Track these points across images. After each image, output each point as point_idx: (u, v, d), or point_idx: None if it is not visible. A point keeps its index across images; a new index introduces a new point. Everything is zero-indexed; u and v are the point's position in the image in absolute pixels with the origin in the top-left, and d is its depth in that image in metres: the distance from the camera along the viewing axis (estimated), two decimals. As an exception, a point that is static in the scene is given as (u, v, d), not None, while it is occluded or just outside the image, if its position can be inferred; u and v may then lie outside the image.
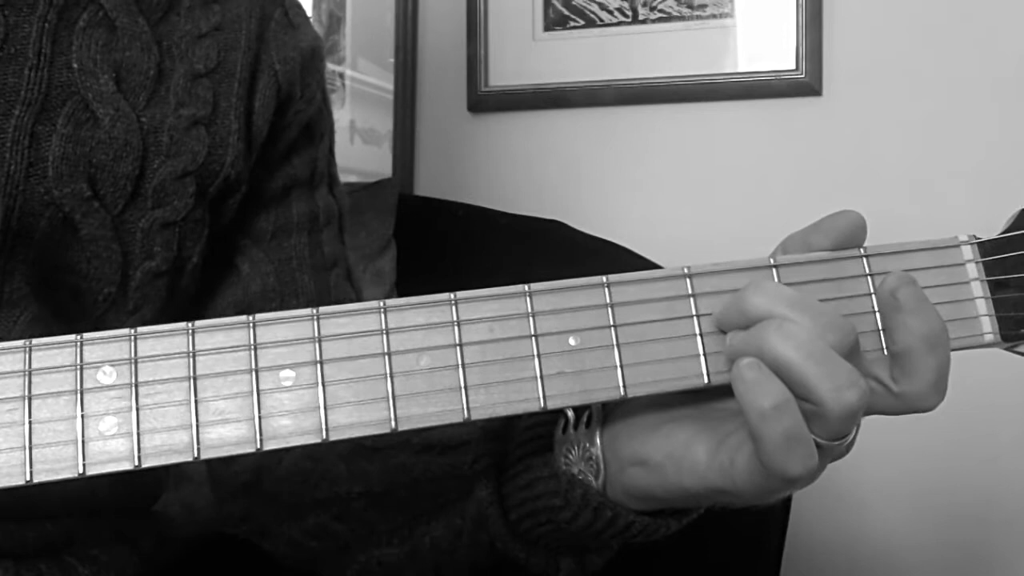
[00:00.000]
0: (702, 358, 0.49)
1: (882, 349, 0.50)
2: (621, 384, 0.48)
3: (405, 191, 1.71)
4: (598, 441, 0.54)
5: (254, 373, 0.44)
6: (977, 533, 1.52)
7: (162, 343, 0.44)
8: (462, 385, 0.46)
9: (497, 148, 1.75)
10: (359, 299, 0.75)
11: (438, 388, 0.46)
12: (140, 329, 0.44)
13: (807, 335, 0.45)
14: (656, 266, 0.89)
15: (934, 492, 1.53)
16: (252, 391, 0.44)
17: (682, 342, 0.49)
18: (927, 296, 0.49)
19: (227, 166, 0.66)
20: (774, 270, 0.50)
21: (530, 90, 1.70)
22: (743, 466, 0.47)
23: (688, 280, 0.49)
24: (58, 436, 0.42)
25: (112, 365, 0.43)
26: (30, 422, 0.42)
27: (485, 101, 1.73)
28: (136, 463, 0.43)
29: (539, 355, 0.47)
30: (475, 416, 0.46)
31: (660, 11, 1.64)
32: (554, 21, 1.70)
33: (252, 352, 0.45)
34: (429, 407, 0.46)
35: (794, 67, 1.57)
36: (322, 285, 0.73)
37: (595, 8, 1.67)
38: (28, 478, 0.42)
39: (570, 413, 0.56)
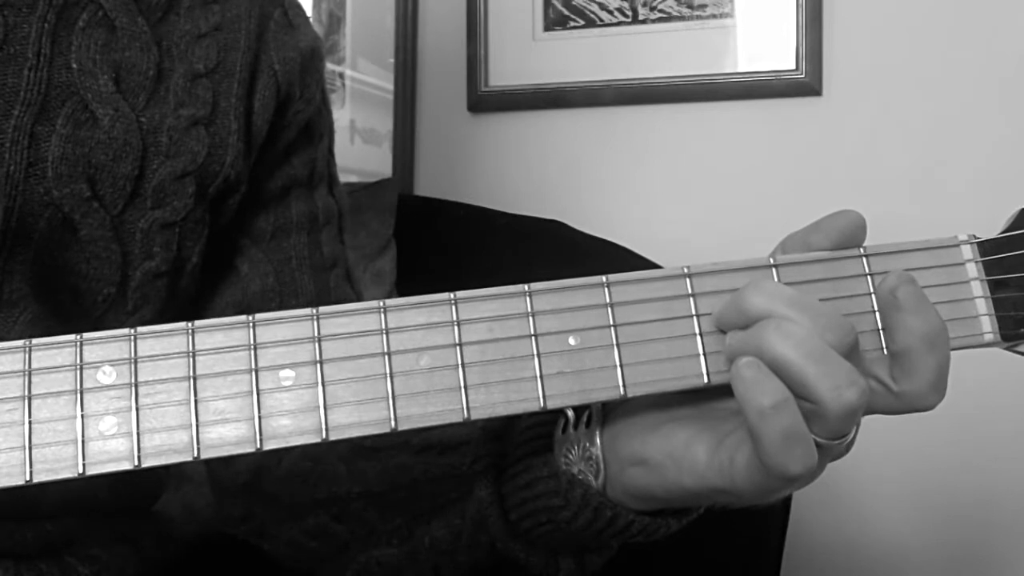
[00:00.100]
0: (702, 358, 0.49)
1: (882, 348, 0.50)
2: (621, 384, 0.48)
3: (405, 191, 1.71)
4: (598, 441, 0.54)
5: (254, 373, 0.44)
6: (977, 533, 1.52)
7: (162, 343, 0.44)
8: (462, 385, 0.46)
9: (497, 148, 1.75)
10: (359, 299, 0.75)
11: (438, 388, 0.46)
12: (140, 329, 0.44)
13: (806, 334, 0.45)
14: (656, 266, 0.89)
15: (934, 492, 1.53)
16: (252, 391, 0.44)
17: (682, 342, 0.49)
18: (927, 295, 0.49)
19: (227, 166, 0.66)
20: (774, 270, 0.50)
21: (530, 90, 1.70)
22: (743, 465, 0.47)
23: (688, 280, 0.49)
24: (58, 436, 0.42)
25: (112, 365, 0.43)
26: (30, 422, 0.42)
27: (485, 101, 1.73)
28: (136, 463, 0.43)
29: (539, 355, 0.47)
30: (475, 416, 0.46)
31: (660, 11, 1.64)
32: (554, 21, 1.70)
33: (252, 352, 0.45)
34: (429, 407, 0.46)
35: (794, 67, 1.57)
36: (321, 285, 0.73)
37: (595, 8, 1.67)
38: (28, 478, 0.42)
39: (570, 413, 0.56)
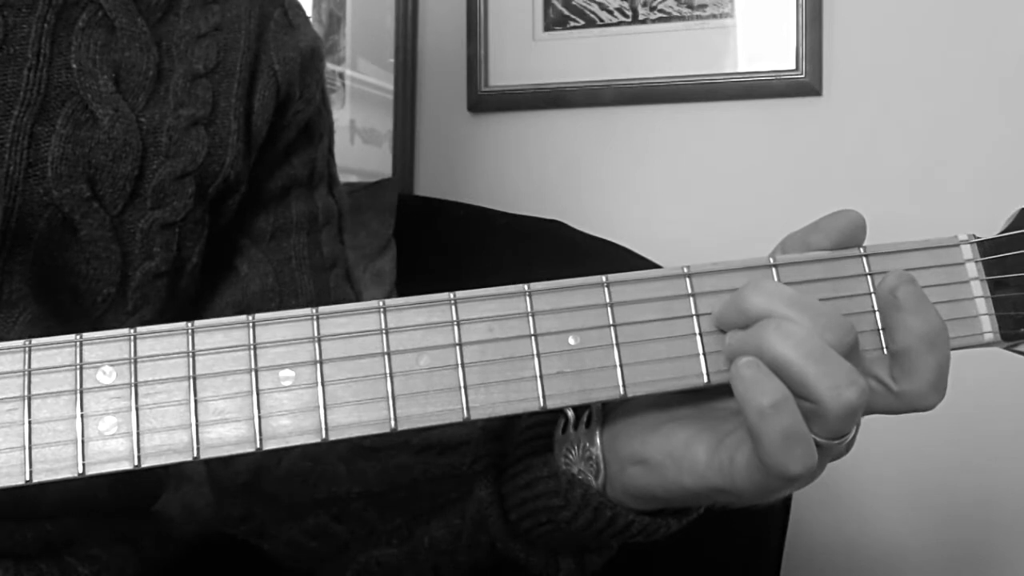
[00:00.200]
0: (702, 357, 0.49)
1: (882, 348, 0.50)
2: (621, 384, 0.48)
3: (405, 191, 1.71)
4: (598, 441, 0.54)
5: (253, 373, 0.44)
6: (977, 533, 1.52)
7: (161, 343, 0.44)
8: (461, 385, 0.46)
9: (497, 148, 1.75)
10: (359, 299, 0.75)
11: (438, 388, 0.46)
12: (140, 329, 0.44)
13: (806, 334, 0.45)
14: (656, 266, 0.89)
15: (934, 492, 1.53)
16: (252, 391, 0.44)
17: (682, 341, 0.49)
18: (927, 295, 0.49)
19: (226, 166, 0.66)
20: (773, 269, 0.50)
21: (530, 90, 1.70)
22: (743, 465, 0.47)
23: (687, 279, 0.49)
24: (58, 436, 0.42)
25: (112, 365, 0.43)
26: (29, 422, 0.42)
27: (485, 101, 1.73)
28: (136, 463, 0.43)
29: (539, 355, 0.47)
30: (475, 416, 0.46)
31: (660, 11, 1.64)
32: (554, 21, 1.70)
33: (252, 352, 0.45)
34: (428, 407, 0.46)
35: (794, 67, 1.57)
36: (321, 285, 0.73)
37: (595, 8, 1.67)
38: (28, 478, 0.42)
39: (570, 413, 0.56)
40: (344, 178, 0.81)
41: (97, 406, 0.43)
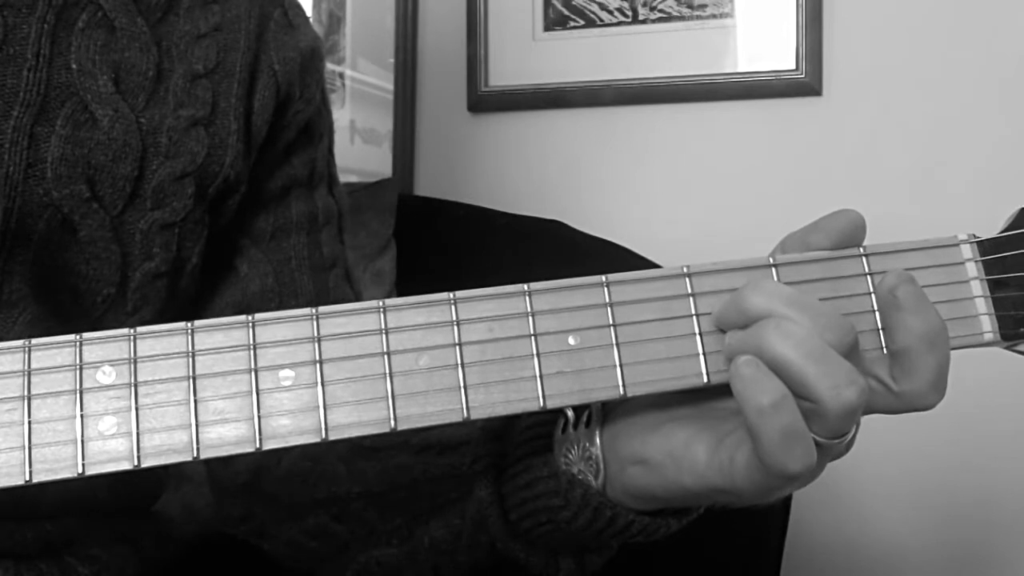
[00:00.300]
0: (701, 357, 0.49)
1: (881, 348, 0.50)
2: (620, 383, 0.48)
3: (405, 191, 1.71)
4: (598, 441, 0.54)
5: (253, 373, 0.44)
6: (977, 533, 1.52)
7: (161, 343, 0.44)
8: (461, 385, 0.46)
9: (497, 148, 1.75)
10: (358, 299, 0.75)
11: (437, 388, 0.46)
12: (139, 329, 0.44)
13: (806, 334, 0.45)
14: (656, 266, 0.89)
15: (934, 492, 1.53)
16: (251, 391, 0.44)
17: (681, 341, 0.49)
18: (926, 295, 0.49)
19: (226, 167, 0.66)
20: (773, 269, 0.50)
21: (530, 90, 1.70)
22: (742, 464, 0.47)
23: (687, 279, 0.49)
24: (57, 436, 0.42)
25: (111, 365, 0.43)
26: (29, 422, 0.42)
27: (485, 101, 1.73)
28: (135, 463, 0.43)
29: (538, 354, 0.47)
30: (474, 415, 0.46)
31: (660, 11, 1.64)
32: (554, 21, 1.70)
33: (251, 352, 0.45)
34: (428, 407, 0.46)
35: (794, 67, 1.57)
36: (321, 285, 0.73)
37: (595, 8, 1.67)
38: (27, 478, 0.42)
39: (570, 413, 0.56)
40: (344, 178, 0.81)
41: (97, 406, 0.43)
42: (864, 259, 0.51)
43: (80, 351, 0.43)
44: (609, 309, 0.48)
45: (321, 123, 0.76)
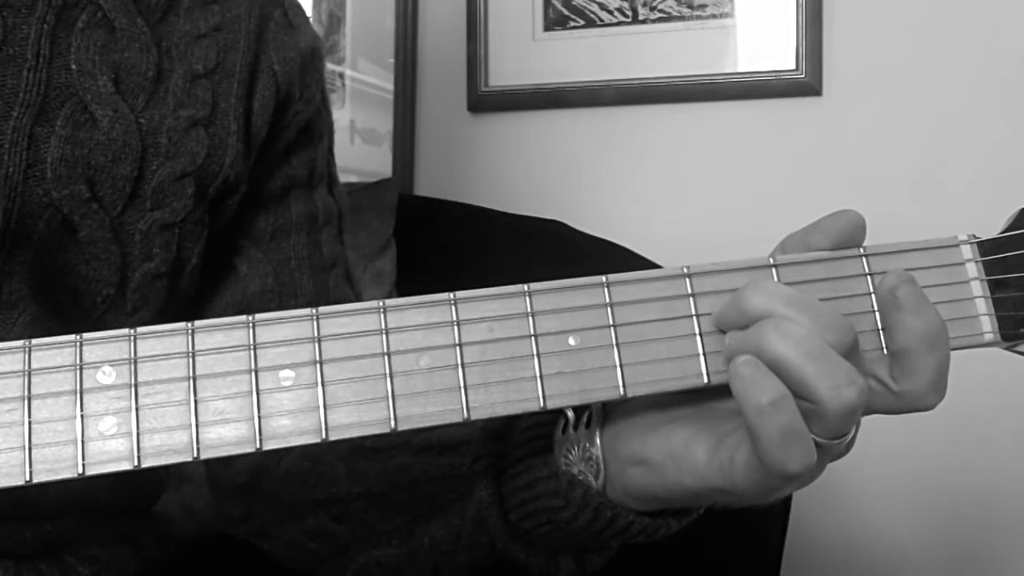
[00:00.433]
0: (702, 357, 0.49)
1: (882, 348, 0.50)
2: (621, 384, 0.48)
3: (405, 191, 1.71)
4: (598, 441, 0.54)
5: (254, 373, 0.44)
6: (977, 533, 1.52)
7: (162, 343, 0.44)
8: (462, 385, 0.46)
9: (497, 148, 1.75)
10: (358, 299, 0.75)
11: (438, 388, 0.46)
12: (140, 329, 0.44)
13: (806, 334, 0.45)
14: (656, 266, 0.89)
15: (934, 492, 1.53)
16: (252, 391, 0.44)
17: (682, 342, 0.49)
18: (926, 295, 0.49)
19: (226, 167, 0.66)
20: (773, 270, 0.50)
21: (530, 90, 1.70)
22: (742, 464, 0.47)
23: (687, 280, 0.49)
24: (58, 436, 0.42)
25: (112, 365, 0.43)
26: (29, 422, 0.42)
27: (485, 101, 1.73)
28: (136, 463, 0.43)
29: (539, 355, 0.47)
30: (475, 416, 0.46)
31: (660, 11, 1.64)
32: (554, 21, 1.70)
33: (252, 352, 0.45)
34: (429, 407, 0.46)
35: (794, 67, 1.57)
36: (321, 285, 0.73)
37: (595, 8, 1.67)
38: (28, 478, 0.42)
39: (570, 413, 0.56)
40: (344, 178, 0.81)
41: (97, 406, 0.43)
42: (864, 259, 0.51)
43: (80, 351, 0.43)
44: (609, 309, 0.48)
45: (321, 123, 0.76)
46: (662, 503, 0.54)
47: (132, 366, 0.44)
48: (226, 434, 0.44)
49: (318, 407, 0.45)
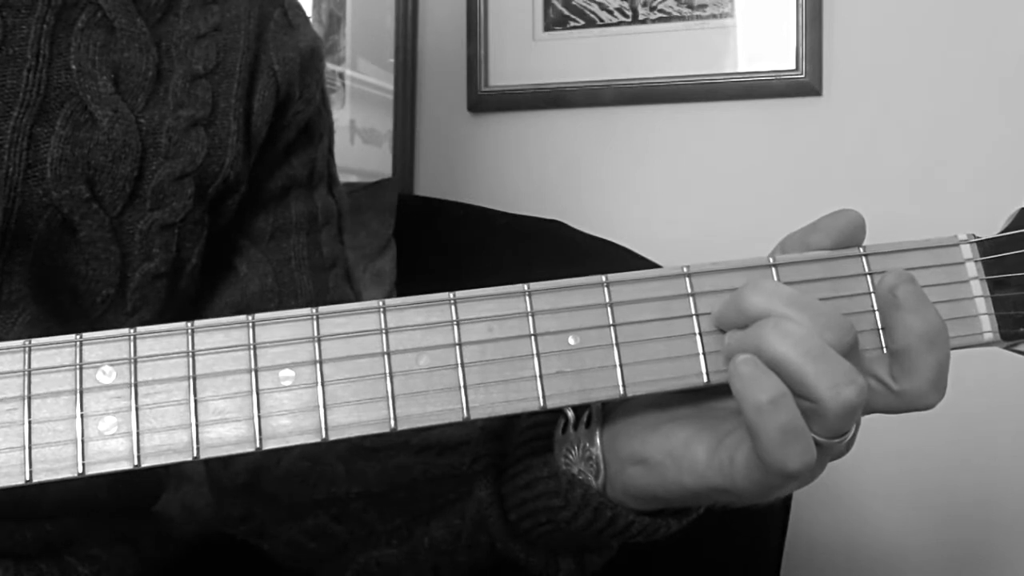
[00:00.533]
0: (701, 357, 0.49)
1: (881, 347, 0.50)
2: (620, 383, 0.48)
3: (405, 191, 1.71)
4: (598, 441, 0.54)
5: (253, 373, 0.44)
6: (977, 533, 1.52)
7: (161, 343, 0.44)
8: (461, 384, 0.46)
9: (497, 148, 1.75)
10: (358, 299, 0.75)
11: (437, 387, 0.46)
12: (139, 329, 0.44)
13: (805, 333, 0.45)
14: (656, 266, 0.89)
15: (934, 492, 1.53)
16: (251, 391, 0.44)
17: (681, 341, 0.49)
18: (926, 294, 0.49)
19: (226, 167, 0.66)
20: (773, 269, 0.50)
21: (530, 90, 1.70)
22: (742, 464, 0.47)
23: (687, 279, 0.49)
24: (57, 436, 0.42)
25: (111, 365, 0.43)
26: (29, 422, 0.42)
27: (485, 101, 1.73)
28: (135, 463, 0.43)
29: (538, 354, 0.47)
30: (474, 415, 0.46)
31: (660, 11, 1.64)
32: (554, 21, 1.70)
33: (251, 352, 0.45)
34: (428, 406, 0.46)
35: (794, 67, 1.57)
36: (320, 285, 0.73)
37: (595, 8, 1.67)
38: (28, 478, 0.42)
39: (570, 413, 0.56)
40: (344, 178, 0.81)
41: (97, 406, 0.43)
42: (864, 259, 0.51)
43: (80, 351, 0.43)
44: (609, 309, 0.48)
45: (321, 123, 0.76)
46: (662, 503, 0.54)
47: (132, 366, 0.44)
48: (226, 434, 0.44)
49: (318, 407, 0.45)
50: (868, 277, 0.51)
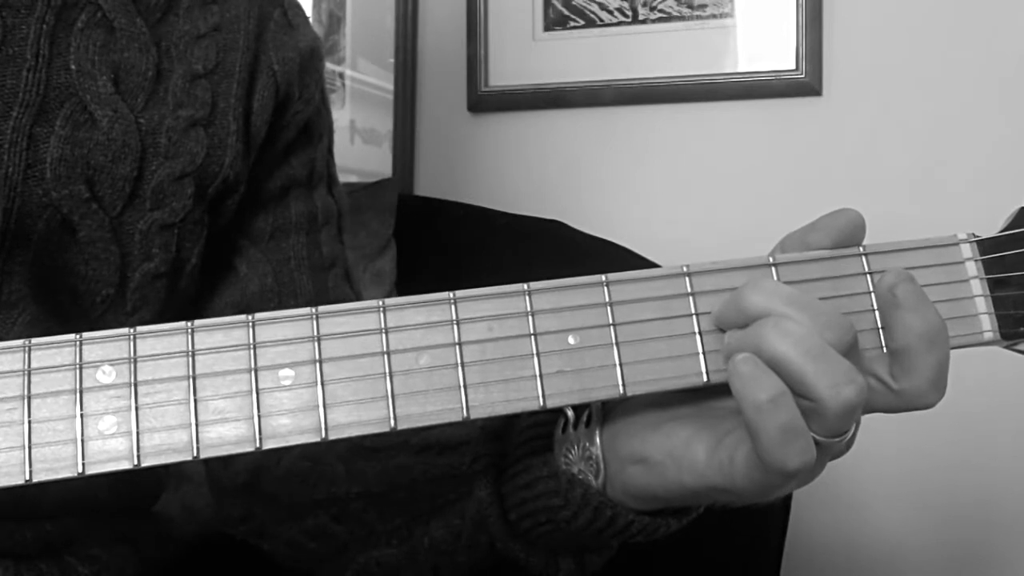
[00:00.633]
0: (701, 356, 0.49)
1: (881, 347, 0.50)
2: (620, 383, 0.48)
3: (405, 191, 1.71)
4: (598, 440, 0.54)
5: (253, 372, 0.44)
6: (977, 533, 1.52)
7: (161, 342, 0.44)
8: (461, 384, 0.46)
9: (497, 148, 1.75)
10: (358, 299, 0.75)
11: (437, 387, 0.46)
12: (139, 328, 0.44)
13: (805, 332, 0.45)
14: (656, 266, 0.89)
15: (934, 492, 1.53)
16: (251, 390, 0.44)
17: (681, 340, 0.49)
18: (926, 293, 0.49)
19: (226, 167, 0.66)
20: (773, 269, 0.50)
21: (530, 90, 1.70)
22: (742, 463, 0.47)
23: (687, 279, 0.49)
24: (57, 435, 0.42)
25: (111, 364, 0.43)
26: (29, 421, 0.42)
27: (485, 101, 1.73)
28: (135, 462, 0.43)
29: (538, 354, 0.47)
30: (474, 415, 0.46)
31: (660, 11, 1.64)
32: (554, 21, 1.70)
33: (251, 351, 0.45)
34: (428, 406, 0.46)
35: (794, 67, 1.57)
36: (320, 285, 0.73)
37: (595, 8, 1.67)
38: (27, 477, 0.42)
39: (570, 412, 0.56)
40: (344, 178, 0.81)
41: (97, 405, 0.43)
42: (864, 258, 0.51)
43: (80, 351, 0.43)
44: (609, 308, 0.48)
45: (320, 123, 0.76)
46: (662, 502, 0.54)
47: (132, 365, 0.44)
48: (226, 433, 0.44)
49: (318, 406, 0.45)
50: (868, 276, 0.51)
